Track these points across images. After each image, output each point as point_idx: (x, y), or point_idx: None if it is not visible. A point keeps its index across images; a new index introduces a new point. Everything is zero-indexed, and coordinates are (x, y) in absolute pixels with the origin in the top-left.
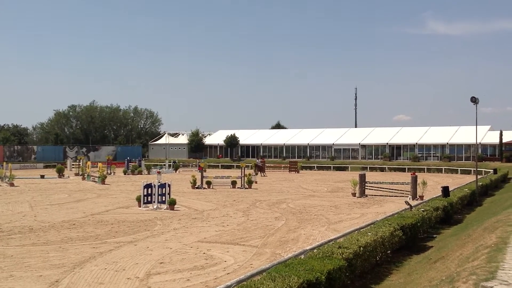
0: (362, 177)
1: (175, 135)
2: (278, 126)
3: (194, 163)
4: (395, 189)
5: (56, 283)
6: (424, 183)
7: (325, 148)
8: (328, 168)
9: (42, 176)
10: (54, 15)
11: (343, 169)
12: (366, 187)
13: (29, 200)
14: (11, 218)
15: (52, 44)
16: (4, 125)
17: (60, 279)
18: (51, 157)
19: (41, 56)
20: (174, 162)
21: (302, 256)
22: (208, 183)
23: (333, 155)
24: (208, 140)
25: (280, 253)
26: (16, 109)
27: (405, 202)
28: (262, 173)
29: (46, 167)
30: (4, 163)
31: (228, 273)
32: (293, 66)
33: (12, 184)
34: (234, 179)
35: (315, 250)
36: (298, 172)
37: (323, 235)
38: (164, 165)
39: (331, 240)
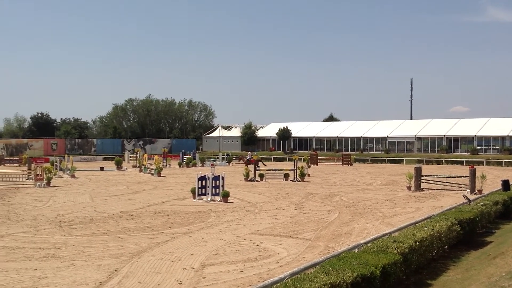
0: (418, 170)
1: (228, 128)
2: (331, 118)
3: (247, 156)
4: (452, 183)
5: (116, 272)
6: (483, 177)
7: (379, 140)
8: (382, 161)
9: (102, 168)
10: (113, 10)
11: (398, 162)
12: (422, 180)
13: (89, 192)
14: (73, 208)
15: (110, 40)
16: (66, 119)
17: (119, 268)
18: (109, 149)
19: (100, 52)
20: (228, 154)
21: (356, 250)
22: (261, 175)
23: (387, 147)
24: (260, 133)
25: (334, 247)
26: (77, 103)
27: (463, 196)
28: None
29: (105, 159)
30: (66, 155)
31: (281, 266)
32: (346, 57)
33: (73, 176)
34: (286, 172)
35: (369, 244)
36: (351, 165)
37: (377, 229)
38: (218, 157)
39: (386, 234)
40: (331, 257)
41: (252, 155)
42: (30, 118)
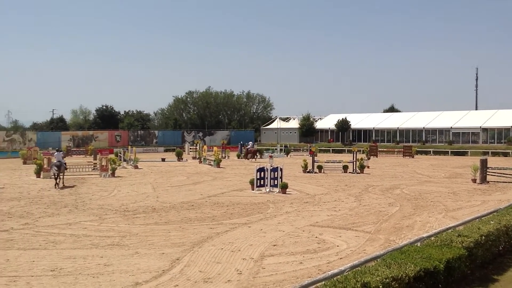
0: (484, 162)
1: (286, 119)
2: (391, 109)
3: (305, 148)
4: None
5: (177, 260)
6: None
7: (442, 132)
8: (445, 153)
9: (163, 159)
10: (173, 3)
11: (462, 154)
12: (487, 173)
13: (152, 182)
14: (136, 198)
15: (171, 34)
16: (129, 111)
17: (181, 257)
18: (170, 141)
19: (161, 45)
20: (286, 146)
21: (418, 244)
22: (319, 167)
23: (450, 139)
24: (319, 125)
25: (395, 240)
26: (140, 96)
27: None
28: (254, 158)
29: (166, 150)
30: (129, 147)
31: (340, 258)
32: (407, 46)
33: (136, 167)
34: (345, 164)
35: (432, 238)
36: (412, 157)
37: (440, 223)
38: (276, 149)
39: (450, 228)
40: (393, 251)
41: (252, 146)
42: (95, 110)
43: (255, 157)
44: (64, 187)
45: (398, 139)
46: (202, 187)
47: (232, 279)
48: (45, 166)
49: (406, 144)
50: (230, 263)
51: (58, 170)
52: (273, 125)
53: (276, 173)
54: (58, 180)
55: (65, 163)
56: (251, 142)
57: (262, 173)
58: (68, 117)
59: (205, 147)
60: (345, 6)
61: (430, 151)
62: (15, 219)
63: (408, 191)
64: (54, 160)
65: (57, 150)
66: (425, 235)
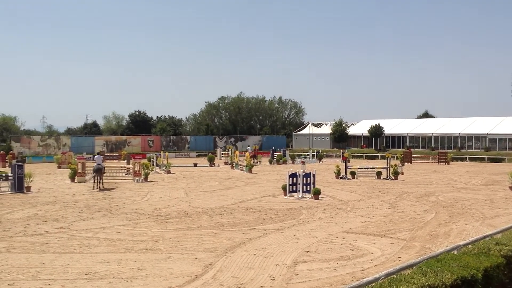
0: None
1: (318, 125)
2: (425, 115)
3: (337, 153)
4: None
5: (210, 265)
6: None
7: (478, 138)
8: (481, 160)
9: (195, 165)
10: (207, 9)
11: (499, 160)
12: None
13: (184, 187)
14: (169, 203)
15: (204, 39)
16: (162, 116)
17: (214, 262)
18: (202, 146)
19: (192, 51)
20: (318, 152)
21: (455, 252)
22: (353, 173)
23: (487, 145)
24: (351, 130)
25: (431, 248)
26: (172, 101)
27: None
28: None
29: (198, 156)
30: (162, 152)
31: (375, 265)
32: (441, 50)
33: (169, 172)
34: (379, 170)
35: (469, 246)
36: (448, 163)
37: (477, 231)
38: (308, 155)
39: (487, 235)
40: (429, 258)
41: (252, 150)
42: (128, 116)
43: (256, 159)
44: (104, 189)
45: (432, 145)
46: (234, 193)
47: (265, 285)
48: (79, 171)
49: (441, 150)
50: (263, 269)
51: (97, 173)
52: (305, 131)
53: (308, 179)
54: (96, 183)
55: (104, 167)
56: (249, 147)
57: (295, 178)
58: (101, 123)
59: (237, 152)
60: (377, 9)
61: (466, 157)
62: (50, 223)
63: (444, 198)
64: (94, 163)
65: (98, 153)
66: (462, 243)
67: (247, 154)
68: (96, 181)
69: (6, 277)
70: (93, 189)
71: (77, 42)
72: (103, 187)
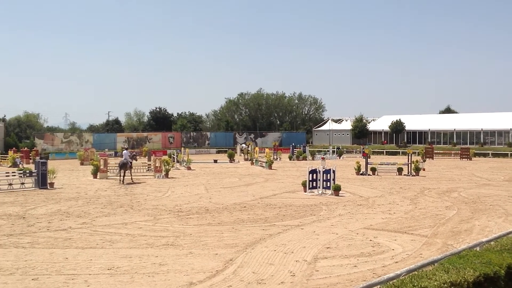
0: None
1: (338, 121)
2: (447, 110)
3: (357, 149)
4: None
5: (231, 261)
6: None
7: (501, 133)
8: (505, 155)
9: (215, 161)
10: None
11: None
12: None
13: (204, 183)
14: (189, 199)
15: (223, 37)
16: (182, 113)
17: (234, 258)
18: (222, 143)
19: (213, 48)
20: (338, 148)
21: (478, 248)
22: (373, 169)
23: (510, 141)
24: (372, 126)
25: (453, 244)
26: (193, 98)
27: None
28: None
29: (218, 152)
30: (182, 148)
31: (396, 262)
32: (464, 45)
33: (189, 168)
34: (400, 166)
35: (492, 243)
36: (470, 159)
37: (500, 227)
38: (328, 151)
39: (510, 232)
40: (451, 255)
41: (247, 146)
42: (149, 112)
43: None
44: (129, 183)
45: (454, 141)
46: (254, 189)
47: (285, 281)
48: (101, 167)
49: (463, 146)
50: (283, 265)
51: (122, 168)
52: (325, 127)
53: (328, 175)
54: (121, 178)
55: (131, 162)
56: (243, 144)
57: (315, 175)
58: (123, 119)
59: (256, 148)
60: (401, 7)
61: (488, 153)
62: (73, 219)
63: (466, 194)
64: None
65: (126, 149)
66: (484, 239)
67: (266, 150)
68: (121, 176)
69: (30, 272)
70: (119, 183)
71: (99, 41)
72: (132, 181)
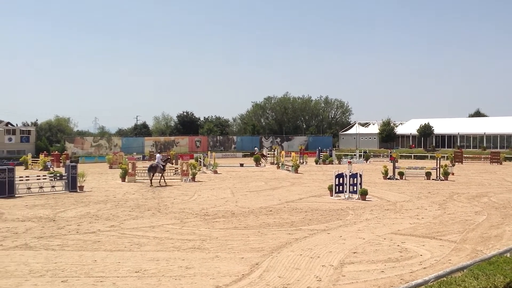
0: None
1: (365, 124)
2: (477, 114)
3: (385, 153)
4: None
5: (257, 265)
6: None
7: None
8: None
9: (241, 165)
10: (251, 10)
11: None
12: None
13: (231, 187)
14: (216, 203)
15: (251, 40)
16: (209, 117)
17: (260, 262)
18: (248, 146)
19: (244, 54)
20: (365, 152)
21: (508, 255)
22: (401, 174)
23: None
24: (399, 130)
25: (482, 250)
26: (219, 102)
27: None
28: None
29: (244, 156)
30: (209, 152)
31: (424, 268)
32: (492, 47)
33: (215, 172)
34: (428, 170)
35: None
36: (501, 163)
37: None
38: (355, 155)
39: None
40: (480, 261)
41: (259, 150)
42: (177, 116)
43: (265, 157)
44: (158, 186)
45: (484, 145)
46: (280, 193)
47: (311, 286)
48: (129, 171)
49: (493, 150)
50: (309, 269)
51: (150, 171)
52: (352, 131)
53: (355, 179)
54: (151, 181)
55: (162, 165)
56: (256, 148)
57: (341, 179)
58: (151, 123)
59: (283, 152)
60: (425, 8)
61: None
62: (102, 222)
63: (496, 199)
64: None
65: (159, 152)
66: None
67: (292, 154)
68: (150, 179)
69: (59, 274)
70: (150, 186)
71: (127, 47)
72: (165, 183)
